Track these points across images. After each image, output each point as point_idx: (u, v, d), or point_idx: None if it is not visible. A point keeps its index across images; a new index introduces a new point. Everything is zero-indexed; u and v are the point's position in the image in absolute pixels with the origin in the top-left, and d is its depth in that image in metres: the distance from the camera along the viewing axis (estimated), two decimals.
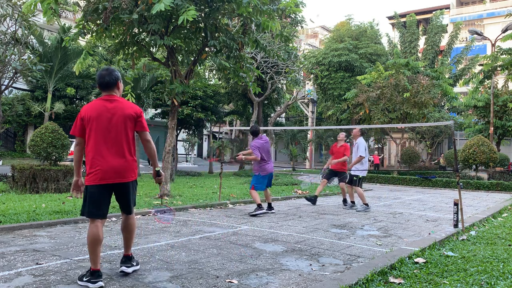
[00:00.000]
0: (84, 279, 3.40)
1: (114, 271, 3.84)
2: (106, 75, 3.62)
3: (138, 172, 18.24)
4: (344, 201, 9.47)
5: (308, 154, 35.70)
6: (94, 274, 3.40)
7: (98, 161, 3.49)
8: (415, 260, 4.35)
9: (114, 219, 6.74)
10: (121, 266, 3.80)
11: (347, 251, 4.95)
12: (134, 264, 3.89)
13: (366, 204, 8.70)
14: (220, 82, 22.84)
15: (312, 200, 9.75)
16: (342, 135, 9.66)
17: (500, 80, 25.00)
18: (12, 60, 11.03)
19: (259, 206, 7.81)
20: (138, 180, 14.79)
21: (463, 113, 25.92)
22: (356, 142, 8.93)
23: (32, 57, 11.53)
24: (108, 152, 3.51)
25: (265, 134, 8.33)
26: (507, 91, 20.84)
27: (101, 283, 3.38)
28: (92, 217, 3.50)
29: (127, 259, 3.83)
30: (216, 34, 9.05)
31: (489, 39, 20.01)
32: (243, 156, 8.38)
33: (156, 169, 3.82)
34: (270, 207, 8.06)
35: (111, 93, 3.64)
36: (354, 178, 8.84)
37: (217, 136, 38.03)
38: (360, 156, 8.71)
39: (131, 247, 3.89)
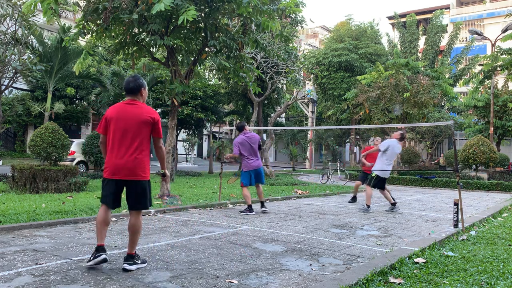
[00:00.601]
0: (91, 258, 3.82)
1: (114, 271, 3.84)
2: (131, 81, 3.99)
3: None
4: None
5: (308, 154, 35.71)
6: (98, 250, 3.83)
7: (111, 159, 3.88)
8: (415, 260, 4.35)
9: (114, 219, 6.74)
10: (123, 264, 3.91)
11: (347, 251, 4.95)
12: (139, 262, 3.97)
13: (368, 206, 8.61)
14: (220, 82, 22.83)
15: (354, 200, 10.20)
16: (379, 140, 9.88)
17: (500, 80, 25.00)
18: (12, 60, 11.02)
19: (249, 208, 7.88)
20: None
21: (463, 113, 25.92)
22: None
23: (32, 57, 11.53)
24: (121, 152, 3.86)
25: (253, 132, 8.28)
26: (507, 91, 20.84)
27: (103, 256, 3.81)
28: (102, 202, 3.99)
29: (129, 257, 3.93)
30: (216, 34, 9.05)
31: (489, 39, 20.01)
32: (228, 155, 8.82)
33: (161, 171, 4.38)
34: (262, 205, 8.13)
35: (134, 98, 4.00)
36: (368, 176, 8.78)
37: (217, 136, 38.03)
38: (378, 148, 8.60)
39: (134, 247, 3.99)
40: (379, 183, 8.67)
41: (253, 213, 7.81)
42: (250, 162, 7.95)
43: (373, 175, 8.62)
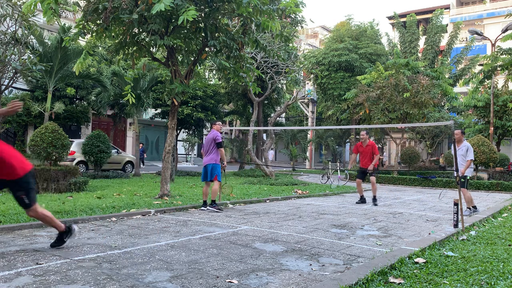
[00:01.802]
0: (65, 238, 4.71)
1: (114, 271, 3.85)
2: None
3: (138, 172, 17.92)
4: (374, 199, 9.92)
5: (308, 154, 35.71)
6: (69, 230, 4.74)
7: None
8: (415, 260, 4.35)
9: (114, 219, 6.74)
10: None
11: (347, 251, 4.95)
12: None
13: (474, 207, 8.53)
14: (220, 82, 22.82)
15: (362, 200, 10.21)
16: (364, 133, 9.95)
17: (500, 80, 24.99)
18: (12, 60, 11.02)
19: (204, 204, 8.30)
20: (138, 180, 14.86)
21: (463, 113, 25.90)
22: (461, 145, 8.49)
23: (32, 57, 11.52)
24: None
25: (215, 129, 8.53)
26: (507, 91, 20.82)
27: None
28: None
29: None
30: (216, 34, 9.05)
31: (489, 39, 20.01)
32: None
33: None
34: (204, 204, 8.34)
35: None
36: (462, 180, 8.26)
37: None
38: (470, 160, 8.36)
39: (58, 224, 4.66)
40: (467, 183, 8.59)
41: (205, 209, 8.16)
42: (204, 159, 8.36)
43: (468, 177, 8.44)
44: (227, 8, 8.79)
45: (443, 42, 30.00)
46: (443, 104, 27.49)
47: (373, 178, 9.96)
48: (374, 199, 9.89)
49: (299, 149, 36.27)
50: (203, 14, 8.75)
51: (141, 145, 24.58)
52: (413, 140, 28.77)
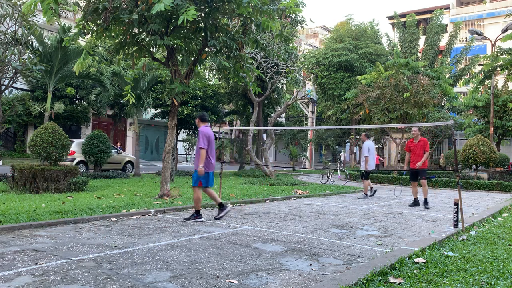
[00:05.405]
0: None
1: (114, 271, 3.85)
2: None
3: (138, 172, 17.95)
4: (425, 202, 9.66)
5: (308, 154, 35.71)
6: None
7: None
8: (415, 260, 4.35)
9: (114, 219, 6.74)
10: None
11: (347, 251, 4.95)
12: None
13: (366, 194, 11.49)
14: (220, 82, 22.83)
15: (415, 203, 9.89)
16: (416, 129, 9.64)
17: (500, 80, 24.99)
18: (12, 60, 11.02)
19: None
20: (138, 180, 14.85)
21: (463, 113, 25.90)
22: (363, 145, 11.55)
23: (32, 57, 11.52)
24: None
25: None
26: (507, 91, 20.82)
27: None
28: None
29: None
30: (216, 34, 9.05)
31: (489, 39, 20.01)
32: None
33: None
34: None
35: None
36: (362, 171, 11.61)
37: (217, 136, 38.03)
38: (365, 156, 11.42)
39: None
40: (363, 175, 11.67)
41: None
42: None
43: (363, 170, 11.72)
44: (227, 8, 8.79)
45: (443, 42, 30.00)
46: (443, 104, 27.48)
47: (424, 181, 9.64)
48: (426, 202, 9.66)
49: (299, 149, 36.29)
50: (203, 14, 8.75)
51: (118, 144, 24.61)
52: None
